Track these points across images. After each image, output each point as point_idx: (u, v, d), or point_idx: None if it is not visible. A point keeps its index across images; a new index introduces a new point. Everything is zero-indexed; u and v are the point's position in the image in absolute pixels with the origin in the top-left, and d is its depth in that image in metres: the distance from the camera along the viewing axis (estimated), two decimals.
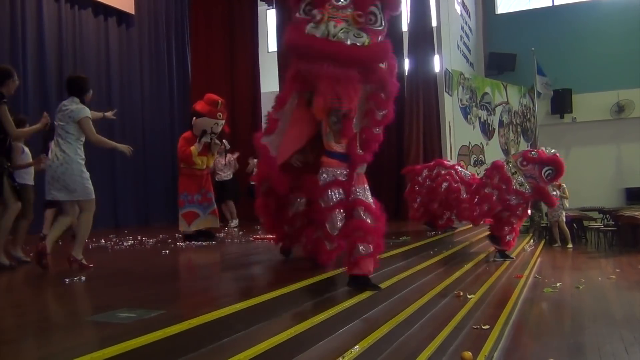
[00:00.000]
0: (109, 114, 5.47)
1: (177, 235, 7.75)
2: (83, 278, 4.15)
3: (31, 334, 2.65)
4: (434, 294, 4.78)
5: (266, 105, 12.13)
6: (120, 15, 11.07)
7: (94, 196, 4.66)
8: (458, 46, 12.31)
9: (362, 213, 3.91)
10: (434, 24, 11.06)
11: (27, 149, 5.55)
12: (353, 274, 3.94)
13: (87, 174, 4.63)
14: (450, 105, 11.45)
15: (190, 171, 6.96)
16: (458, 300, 5.00)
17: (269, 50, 13.78)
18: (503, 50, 13.81)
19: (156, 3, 12.08)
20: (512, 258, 7.71)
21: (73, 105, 4.63)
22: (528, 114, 13.75)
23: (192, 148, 6.81)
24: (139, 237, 7.37)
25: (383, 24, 3.94)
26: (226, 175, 9.75)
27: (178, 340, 2.53)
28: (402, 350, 3.49)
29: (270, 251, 5.94)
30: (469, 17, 13.42)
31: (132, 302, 3.20)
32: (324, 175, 4.00)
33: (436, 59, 11.04)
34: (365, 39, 3.66)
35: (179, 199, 6.99)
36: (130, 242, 7.00)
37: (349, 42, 3.61)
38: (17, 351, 2.29)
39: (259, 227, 8.78)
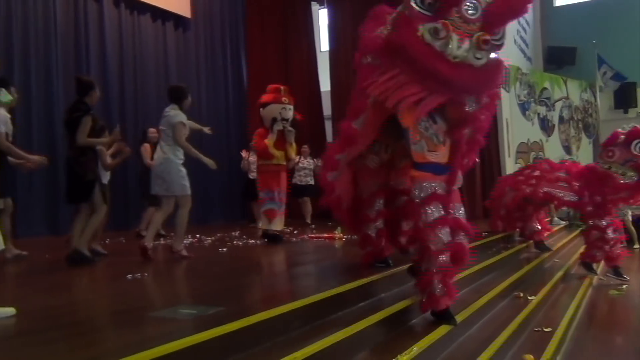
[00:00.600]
0: (206, 129, 6.05)
1: (232, 233, 7.88)
2: (146, 274, 4.27)
3: (96, 328, 2.75)
4: (493, 295, 4.66)
5: (325, 105, 12.25)
6: (177, 19, 11.34)
7: (189, 192, 5.20)
8: (515, 40, 11.99)
9: (462, 236, 3.51)
10: None
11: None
12: (436, 310, 3.56)
13: (184, 172, 5.17)
14: (507, 102, 11.16)
15: (268, 167, 6.68)
16: (519, 301, 4.87)
17: (322, 50, 13.80)
18: (562, 44, 13.34)
19: (212, 6, 12.31)
20: (627, 278, 6.83)
21: (172, 111, 5.25)
22: (590, 109, 13.25)
23: (267, 140, 6.56)
24: (197, 236, 7.53)
25: (503, 39, 3.42)
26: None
27: (236, 337, 2.56)
28: (461, 352, 3.43)
29: (327, 249, 5.97)
30: None
31: (193, 299, 3.28)
32: (417, 191, 3.51)
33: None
34: (484, 60, 3.23)
35: (259, 196, 6.78)
36: (189, 241, 7.15)
37: (467, 63, 3.17)
38: (82, 345, 2.37)
39: (314, 226, 8.82)
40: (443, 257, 3.43)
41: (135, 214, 8.84)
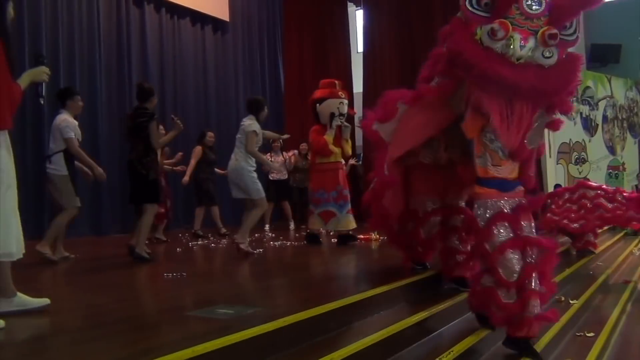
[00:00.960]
0: (285, 136, 6.36)
1: (268, 234, 7.93)
2: (184, 274, 4.35)
3: (137, 327, 2.80)
4: None
5: (359, 107, 12.21)
6: (215, 22, 11.49)
7: (263, 195, 5.58)
8: None
9: (536, 256, 3.16)
10: None
11: None
12: (515, 336, 3.18)
13: (254, 177, 5.53)
14: None
15: (324, 166, 6.42)
16: (560, 305, 4.76)
17: (358, 51, 13.77)
18: (606, 41, 12.98)
19: (250, 9, 12.43)
20: None
21: (247, 121, 5.58)
22: (635, 108, 12.86)
23: (326, 136, 6.32)
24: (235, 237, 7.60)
25: (577, 33, 3.08)
26: (282, 174, 9.55)
27: (274, 337, 2.58)
28: (501, 354, 3.37)
29: (363, 251, 5.96)
30: None
31: (230, 299, 3.32)
32: (481, 210, 3.23)
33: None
34: (554, 58, 2.94)
35: (314, 197, 6.54)
36: (225, 241, 7.24)
37: (535, 63, 2.93)
38: (122, 343, 2.43)
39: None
40: (512, 290, 3.10)
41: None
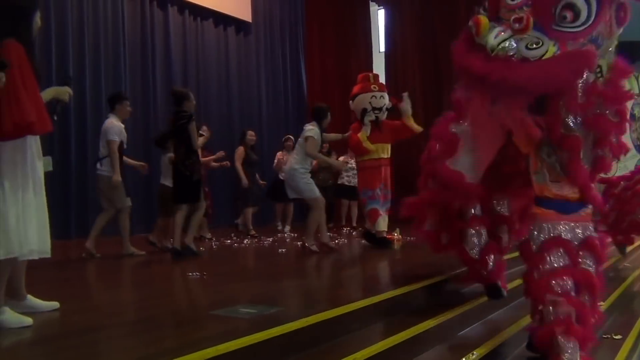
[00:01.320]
0: (347, 134, 6.38)
1: (290, 234, 7.94)
2: (205, 273, 4.38)
3: (160, 325, 2.83)
4: None
5: None
6: (238, 23, 11.55)
7: (318, 195, 5.75)
8: None
9: (587, 297, 2.85)
10: None
11: None
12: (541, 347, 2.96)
13: (307, 178, 5.76)
14: None
15: (365, 163, 6.17)
16: None
17: (380, 51, 13.73)
18: (634, 38, 12.73)
19: (272, 10, 12.48)
20: None
21: (309, 126, 5.88)
22: None
23: (360, 134, 6.11)
24: (258, 236, 7.64)
25: (586, 24, 2.78)
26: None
27: (296, 336, 2.59)
28: (525, 357, 3.33)
29: (386, 251, 5.94)
30: None
31: (253, 298, 3.33)
32: (535, 232, 2.94)
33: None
34: (546, 48, 2.69)
35: (359, 197, 6.53)
36: (248, 241, 7.27)
37: (516, 57, 2.70)
38: (146, 342, 2.45)
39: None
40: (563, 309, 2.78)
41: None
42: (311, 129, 5.82)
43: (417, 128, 6.10)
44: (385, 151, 6.17)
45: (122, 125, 5.85)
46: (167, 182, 6.21)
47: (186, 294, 3.86)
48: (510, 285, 4.24)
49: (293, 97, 12.80)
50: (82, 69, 8.49)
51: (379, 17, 13.78)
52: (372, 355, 2.62)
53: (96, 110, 8.71)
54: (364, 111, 6.18)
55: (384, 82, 7.68)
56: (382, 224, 6.06)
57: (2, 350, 2.29)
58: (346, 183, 9.37)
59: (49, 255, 2.75)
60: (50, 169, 3.00)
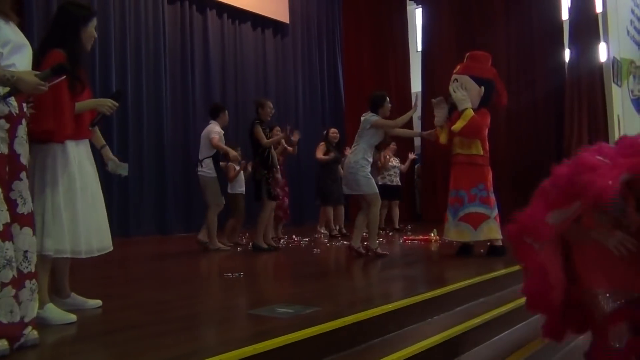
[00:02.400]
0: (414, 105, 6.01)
1: (322, 232, 7.95)
2: (242, 274, 4.43)
3: (199, 323, 2.88)
4: None
5: (418, 105, 12.06)
6: (276, 25, 11.63)
7: (376, 191, 5.47)
8: (628, 32, 11.20)
9: None
10: (599, 9, 10.22)
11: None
12: None
13: (365, 172, 5.38)
14: (619, 97, 10.46)
15: (458, 158, 5.41)
16: None
17: (418, 50, 13.62)
18: None
19: (309, 10, 12.52)
20: None
21: (365, 116, 5.55)
22: None
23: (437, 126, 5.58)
24: (294, 236, 7.68)
25: None
26: None
27: (332, 337, 2.60)
28: (572, 356, 3.25)
29: (424, 252, 5.89)
30: None
31: (290, 298, 3.36)
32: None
33: (602, 48, 10.17)
34: None
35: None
36: (283, 241, 7.31)
37: None
38: (186, 339, 2.50)
39: (410, 227, 8.72)
40: None
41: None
42: (372, 115, 5.48)
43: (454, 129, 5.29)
44: (461, 146, 5.38)
45: (222, 131, 6.43)
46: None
47: (225, 293, 3.91)
48: None
49: (330, 98, 12.81)
50: (124, 75, 8.69)
51: (417, 16, 13.68)
52: (410, 356, 2.61)
53: (137, 114, 8.92)
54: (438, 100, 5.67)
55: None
56: (448, 232, 5.35)
57: (47, 346, 2.37)
58: (388, 183, 9.05)
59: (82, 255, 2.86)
60: (126, 173, 3.42)
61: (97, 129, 3.26)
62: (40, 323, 2.47)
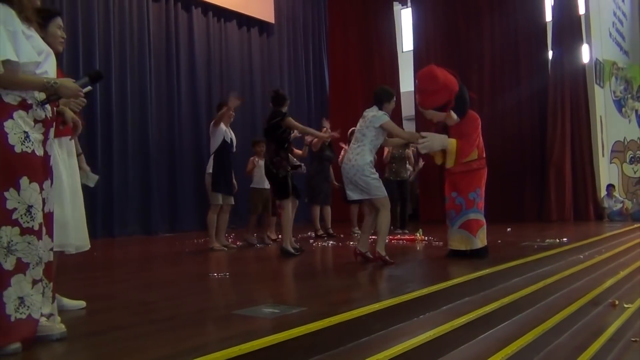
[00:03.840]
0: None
1: (311, 234, 7.95)
2: (228, 274, 4.41)
3: (184, 324, 2.86)
4: (584, 301, 4.44)
5: (405, 106, 12.13)
6: (261, 25, 11.62)
7: (386, 194, 4.95)
8: (610, 34, 11.35)
9: None
10: (582, 11, 10.35)
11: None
12: None
13: (375, 174, 4.93)
14: (601, 98, 10.60)
15: (455, 168, 5.13)
16: (613, 309, 4.61)
17: (404, 50, 13.67)
18: None
19: (294, 10, 12.52)
20: None
21: (373, 112, 4.99)
22: None
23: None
24: (279, 236, 7.66)
25: None
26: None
27: (318, 337, 2.59)
28: (552, 357, 3.29)
29: (409, 252, 5.91)
30: (623, 1, 12.31)
31: (275, 298, 3.35)
32: None
33: (585, 49, 10.29)
34: None
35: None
36: (270, 242, 7.30)
37: None
38: (171, 340, 2.48)
39: (392, 227, 8.72)
40: None
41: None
42: (383, 114, 4.97)
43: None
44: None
45: (224, 128, 6.27)
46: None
47: (210, 293, 3.89)
48: (538, 286, 4.20)
49: (316, 98, 12.83)
50: (108, 74, 8.63)
51: (402, 16, 13.75)
52: (396, 356, 2.61)
53: (122, 113, 8.86)
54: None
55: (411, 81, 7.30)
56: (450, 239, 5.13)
57: (29, 347, 2.34)
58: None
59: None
60: (92, 185, 3.40)
61: (76, 138, 3.23)
62: (90, 313, 2.76)
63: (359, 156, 4.89)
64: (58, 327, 2.46)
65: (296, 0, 12.58)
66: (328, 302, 3.40)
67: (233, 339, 2.33)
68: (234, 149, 6.46)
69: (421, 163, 9.14)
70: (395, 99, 5.19)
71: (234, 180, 6.49)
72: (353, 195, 5.00)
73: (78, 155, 3.36)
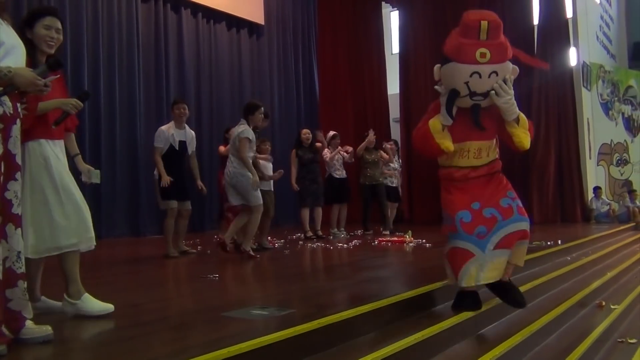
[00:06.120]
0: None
1: (301, 235, 7.95)
2: (216, 276, 4.39)
3: (173, 326, 2.85)
4: (572, 303, 4.47)
5: (393, 108, 12.18)
6: (251, 26, 11.61)
7: (261, 202, 5.67)
8: (597, 37, 11.47)
9: None
10: (569, 15, 10.43)
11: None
12: None
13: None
14: (588, 101, 10.70)
15: (448, 172, 3.57)
16: (600, 310, 4.64)
17: (393, 52, 13.72)
18: None
19: (284, 12, 12.52)
20: None
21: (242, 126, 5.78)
22: None
23: (431, 121, 3.45)
24: (269, 238, 7.64)
25: None
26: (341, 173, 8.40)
27: (307, 339, 2.59)
28: (543, 357, 3.31)
29: (399, 253, 5.92)
30: (610, 5, 12.44)
31: (264, 300, 3.34)
32: None
33: (572, 52, 10.37)
34: None
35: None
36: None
37: None
38: (159, 343, 2.47)
39: (382, 228, 8.75)
40: None
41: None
42: (245, 129, 5.78)
43: (521, 145, 3.54)
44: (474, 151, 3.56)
45: (169, 132, 6.07)
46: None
47: (198, 295, 3.87)
48: (525, 287, 4.22)
49: (305, 99, 12.83)
50: (96, 75, 8.58)
51: (392, 19, 13.78)
52: (388, 356, 2.62)
53: (110, 114, 8.81)
54: (453, 92, 3.43)
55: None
56: (480, 273, 3.40)
57: (13, 351, 2.31)
58: (389, 184, 9.00)
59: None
60: (98, 181, 3.40)
61: (73, 137, 3.21)
62: (77, 316, 2.69)
63: (236, 163, 5.65)
64: (45, 329, 2.42)
65: (286, 2, 12.58)
66: (316, 304, 3.40)
67: (221, 341, 2.32)
68: (190, 150, 6.15)
69: (372, 133, 8.67)
70: (261, 111, 5.94)
71: (200, 182, 6.23)
72: (234, 200, 5.73)
73: (75, 155, 3.34)
